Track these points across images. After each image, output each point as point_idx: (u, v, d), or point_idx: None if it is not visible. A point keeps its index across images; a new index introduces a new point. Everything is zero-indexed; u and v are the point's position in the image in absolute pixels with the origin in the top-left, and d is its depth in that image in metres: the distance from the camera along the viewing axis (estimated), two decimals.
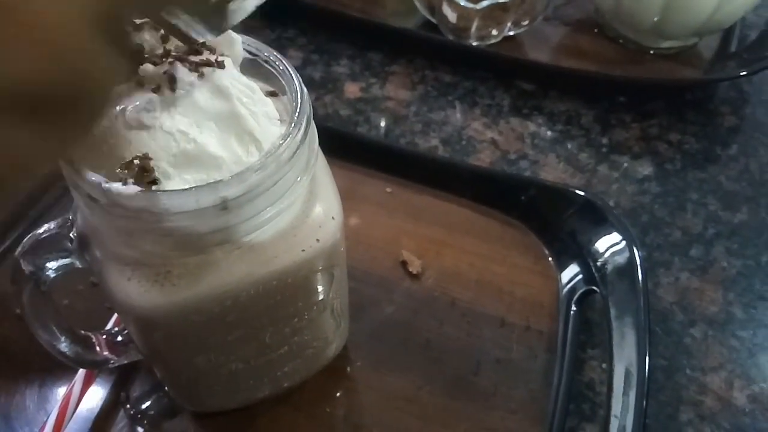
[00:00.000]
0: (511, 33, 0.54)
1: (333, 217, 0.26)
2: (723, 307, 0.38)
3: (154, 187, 0.21)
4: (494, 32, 0.53)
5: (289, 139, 0.22)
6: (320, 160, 0.27)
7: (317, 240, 0.25)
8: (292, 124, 0.22)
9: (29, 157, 0.16)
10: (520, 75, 0.53)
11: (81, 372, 0.32)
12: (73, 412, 0.32)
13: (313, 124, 0.25)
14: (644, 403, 0.31)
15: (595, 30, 0.56)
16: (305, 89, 0.24)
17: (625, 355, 0.33)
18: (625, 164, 0.47)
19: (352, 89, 0.52)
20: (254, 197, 0.22)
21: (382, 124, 0.49)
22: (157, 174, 0.21)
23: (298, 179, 0.24)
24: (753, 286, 0.40)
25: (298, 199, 0.25)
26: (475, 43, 0.53)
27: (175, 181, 0.21)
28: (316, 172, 0.26)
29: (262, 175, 0.21)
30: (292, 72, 0.24)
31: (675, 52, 0.54)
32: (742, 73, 0.50)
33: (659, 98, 0.51)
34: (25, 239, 0.26)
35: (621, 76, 0.53)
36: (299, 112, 0.23)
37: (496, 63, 0.53)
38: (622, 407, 0.31)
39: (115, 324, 0.34)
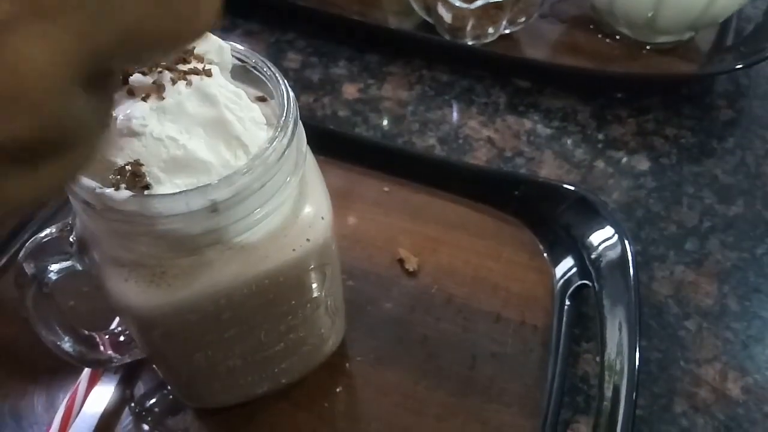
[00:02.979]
0: (507, 31, 0.55)
1: (323, 217, 0.26)
2: (718, 300, 0.39)
3: (146, 192, 0.22)
4: (490, 30, 0.53)
5: (275, 142, 0.23)
6: (309, 161, 0.27)
7: (307, 239, 0.26)
8: (278, 128, 0.23)
9: (18, 195, 0.14)
10: (516, 73, 0.53)
11: (86, 371, 0.33)
12: (79, 411, 0.33)
13: (300, 126, 0.25)
14: (634, 394, 0.31)
15: (591, 26, 0.56)
16: (291, 93, 0.25)
17: (617, 347, 0.33)
18: (622, 159, 0.47)
19: (350, 90, 0.52)
20: (243, 199, 0.22)
21: (381, 124, 0.50)
22: (148, 179, 0.22)
23: (287, 180, 0.24)
24: (747, 278, 0.40)
25: (288, 200, 0.25)
26: (471, 42, 0.54)
27: (166, 185, 0.22)
28: (305, 173, 0.26)
29: (250, 177, 0.22)
30: (278, 77, 0.25)
31: (671, 47, 0.54)
32: (738, 66, 0.50)
33: (655, 93, 0.52)
34: (28, 243, 0.27)
35: (617, 72, 0.53)
36: (285, 116, 0.24)
37: (492, 61, 0.54)
38: (614, 399, 0.32)
39: (119, 324, 0.35)
